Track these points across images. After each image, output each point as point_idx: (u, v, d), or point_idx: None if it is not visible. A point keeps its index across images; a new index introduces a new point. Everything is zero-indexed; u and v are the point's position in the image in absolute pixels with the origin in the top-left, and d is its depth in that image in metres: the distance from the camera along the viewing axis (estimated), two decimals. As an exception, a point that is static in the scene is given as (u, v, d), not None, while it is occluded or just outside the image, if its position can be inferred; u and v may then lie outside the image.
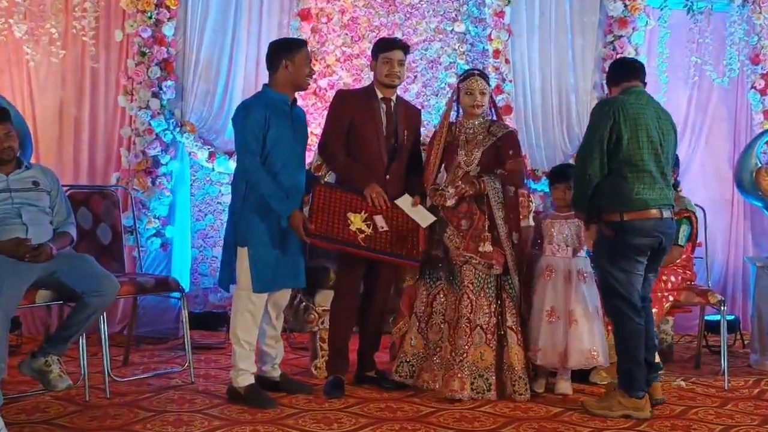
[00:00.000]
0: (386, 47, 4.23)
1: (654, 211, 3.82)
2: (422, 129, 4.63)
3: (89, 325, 3.84)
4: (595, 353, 4.19)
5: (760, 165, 5.69)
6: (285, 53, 3.99)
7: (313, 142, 4.94)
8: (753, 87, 6.15)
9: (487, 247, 4.10)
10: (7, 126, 3.88)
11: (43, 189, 3.96)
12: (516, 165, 4.24)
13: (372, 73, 4.34)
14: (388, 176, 4.19)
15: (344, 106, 4.24)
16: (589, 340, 4.20)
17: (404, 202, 4.16)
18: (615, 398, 3.86)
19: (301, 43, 4.14)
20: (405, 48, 4.28)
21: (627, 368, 3.87)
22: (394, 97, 4.29)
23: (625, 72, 4.05)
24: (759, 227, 6.19)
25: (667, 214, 3.87)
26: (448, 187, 4.17)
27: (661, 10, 6.06)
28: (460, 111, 4.35)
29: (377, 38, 5.07)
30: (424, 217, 4.16)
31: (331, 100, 4.46)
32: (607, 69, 5.83)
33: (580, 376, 4.38)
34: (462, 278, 4.15)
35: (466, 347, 4.06)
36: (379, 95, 4.24)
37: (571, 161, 5.76)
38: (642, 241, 3.83)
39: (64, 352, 3.83)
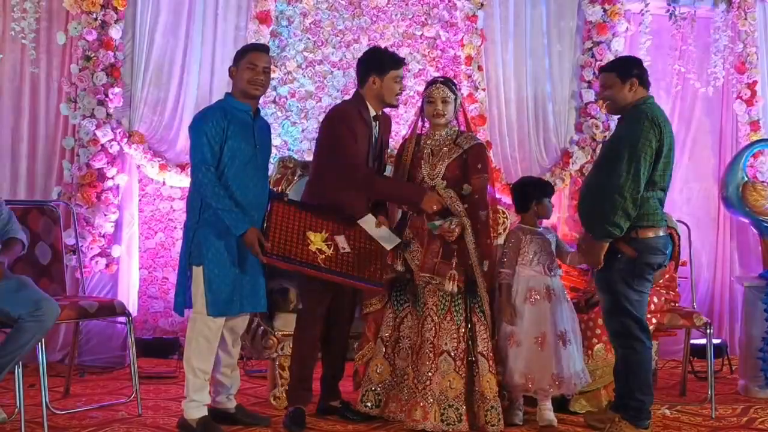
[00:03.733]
0: (397, 64, 4.24)
1: (664, 227, 3.91)
2: (390, 140, 4.63)
3: (26, 353, 3.78)
4: (581, 375, 4.22)
5: (746, 179, 5.77)
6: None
7: (273, 154, 4.93)
8: (739, 97, 6.23)
9: (453, 287, 4.09)
10: None
11: None
12: (481, 181, 4.22)
13: (338, 80, 4.35)
14: None
15: (353, 127, 4.18)
16: (577, 362, 4.22)
17: (368, 222, 4.15)
18: (621, 430, 3.89)
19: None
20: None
21: (641, 400, 3.91)
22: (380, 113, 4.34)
23: (647, 76, 4.05)
24: (746, 245, 6.26)
25: (666, 230, 3.97)
26: (452, 220, 4.12)
27: (642, 14, 6.12)
28: (426, 121, 4.38)
29: (344, 43, 5.07)
30: (388, 239, 4.16)
31: (330, 119, 4.30)
32: (585, 77, 5.97)
33: (557, 404, 4.38)
34: (425, 300, 4.15)
35: (430, 374, 4.05)
36: (372, 113, 4.25)
37: (549, 176, 5.83)
38: (657, 259, 3.91)
39: (-3, 382, 3.77)
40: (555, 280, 4.32)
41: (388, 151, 4.56)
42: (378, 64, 4.23)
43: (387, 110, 4.43)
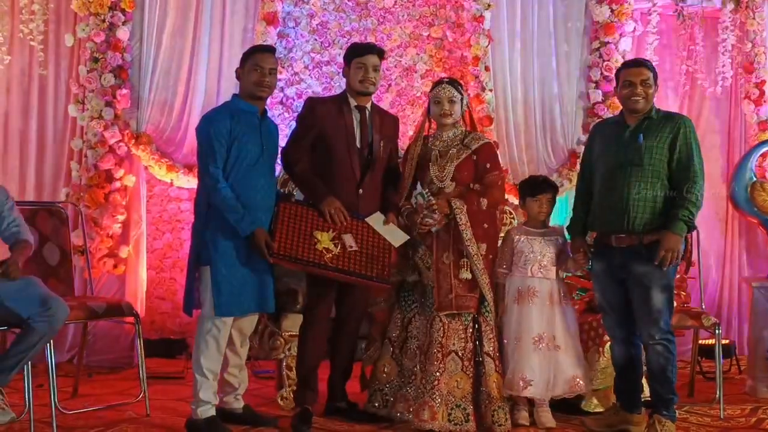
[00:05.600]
0: (360, 52, 4.24)
1: None
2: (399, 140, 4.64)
3: (35, 354, 3.81)
4: (579, 380, 4.22)
5: (754, 179, 5.77)
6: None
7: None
8: (747, 97, 6.22)
9: (467, 274, 4.11)
10: None
11: None
12: (494, 179, 4.27)
13: (344, 80, 4.36)
14: (361, 190, 4.20)
15: (313, 115, 4.24)
16: (573, 366, 4.23)
17: (376, 219, 4.17)
18: (670, 427, 3.96)
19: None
20: (380, 52, 4.29)
21: (676, 394, 4.04)
22: (369, 106, 4.30)
23: None
24: (754, 246, 6.24)
25: None
26: (428, 215, 4.14)
27: (650, 14, 6.12)
28: (433, 122, 4.39)
29: (349, 43, 5.09)
30: (396, 237, 4.17)
31: (300, 108, 4.46)
32: (592, 78, 5.97)
33: (566, 405, 4.38)
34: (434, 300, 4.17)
35: (438, 374, 4.06)
36: (353, 103, 4.25)
37: (557, 176, 5.83)
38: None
39: (6, 383, 3.80)
40: (544, 282, 4.30)
41: (398, 150, 4.56)
42: (345, 54, 4.32)
43: (394, 111, 4.44)
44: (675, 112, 4.25)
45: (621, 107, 4.22)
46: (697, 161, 3.98)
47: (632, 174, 3.95)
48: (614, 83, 5.79)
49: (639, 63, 4.20)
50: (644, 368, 4.13)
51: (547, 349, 4.21)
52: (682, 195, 3.94)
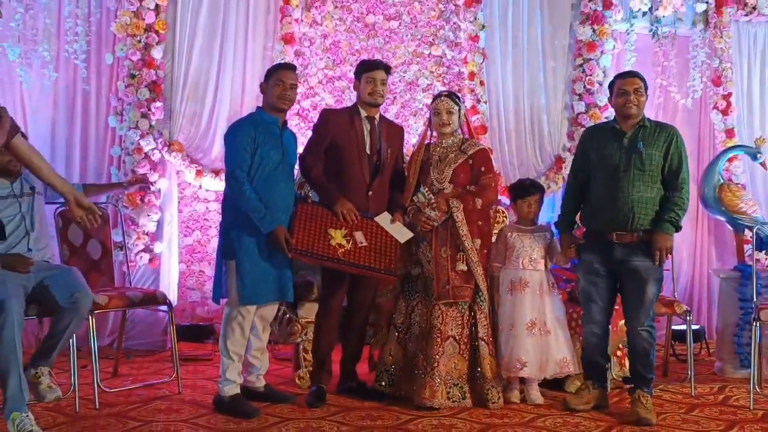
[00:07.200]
0: (369, 68, 4.24)
1: None
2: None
3: (69, 335, 3.80)
4: (567, 362, 4.22)
5: (722, 181, 5.75)
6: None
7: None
8: (715, 107, 6.21)
9: (463, 266, 4.12)
10: None
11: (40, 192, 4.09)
12: (488, 181, 4.27)
13: (355, 93, 4.36)
14: (370, 193, 4.20)
15: (327, 125, 4.24)
16: (562, 349, 4.23)
17: (384, 218, 4.18)
18: (650, 402, 3.95)
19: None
20: (386, 68, 4.29)
21: (654, 373, 4.07)
22: (377, 116, 4.30)
23: None
24: (722, 241, 6.22)
25: None
26: (429, 212, 4.14)
27: (628, 34, 6.12)
28: (434, 131, 4.39)
29: (358, 61, 5.10)
30: (402, 234, 4.17)
31: (315, 119, 4.46)
32: (576, 90, 5.97)
33: (551, 385, 4.39)
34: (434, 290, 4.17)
35: (437, 357, 4.06)
36: (363, 114, 4.25)
37: (544, 179, 5.83)
38: None
39: (52, 363, 3.80)
40: (534, 274, 4.30)
41: (403, 156, 4.56)
42: (356, 70, 4.31)
43: (399, 121, 4.43)
44: (665, 123, 4.24)
45: (603, 116, 4.22)
46: (686, 168, 4.02)
47: (635, 178, 3.95)
48: (596, 96, 5.90)
49: (632, 74, 4.21)
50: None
51: (539, 333, 4.22)
52: (672, 199, 3.97)
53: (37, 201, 4.07)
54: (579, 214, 4.25)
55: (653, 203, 3.97)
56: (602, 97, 5.81)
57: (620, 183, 3.95)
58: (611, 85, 4.19)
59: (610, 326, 4.19)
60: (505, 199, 5.41)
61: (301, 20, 5.84)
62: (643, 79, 4.11)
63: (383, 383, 4.27)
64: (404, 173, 4.42)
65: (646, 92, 4.10)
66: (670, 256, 3.98)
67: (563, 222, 4.29)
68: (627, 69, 5.92)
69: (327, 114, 4.38)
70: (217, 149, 5.57)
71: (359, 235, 4.06)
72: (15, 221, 3.92)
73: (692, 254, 6.37)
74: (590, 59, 5.98)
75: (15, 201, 3.95)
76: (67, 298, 3.74)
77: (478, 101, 5.88)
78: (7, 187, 3.96)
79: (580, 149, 4.28)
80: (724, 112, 6.20)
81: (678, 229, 3.98)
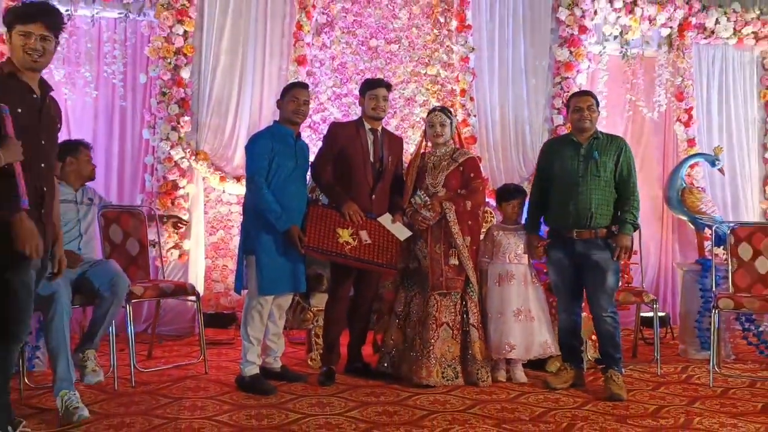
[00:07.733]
0: (372, 85, 4.26)
1: None
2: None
3: (111, 319, 3.80)
4: (549, 344, 4.23)
5: (684, 185, 5.76)
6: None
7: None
8: (678, 120, 6.22)
9: (455, 261, 4.13)
10: (89, 153, 4.21)
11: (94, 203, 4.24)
12: (477, 185, 4.27)
13: (360, 108, 4.37)
14: (373, 196, 4.20)
15: (335, 136, 4.25)
16: (544, 333, 4.24)
17: (386, 219, 4.18)
18: (621, 379, 3.94)
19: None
20: (388, 86, 4.31)
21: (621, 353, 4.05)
22: (380, 128, 4.31)
23: None
24: (685, 238, 6.24)
25: None
26: (425, 212, 4.15)
27: (601, 55, 6.14)
28: (429, 142, 4.40)
29: (363, 80, 5.11)
30: (402, 232, 4.18)
31: (325, 131, 4.48)
32: (555, 105, 5.98)
33: (533, 365, 4.40)
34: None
35: (433, 341, 4.07)
36: (367, 126, 4.26)
37: (527, 184, 5.83)
38: None
39: (97, 346, 3.80)
40: (519, 267, 4.31)
41: (402, 164, 4.57)
42: (360, 88, 4.33)
43: (399, 133, 4.43)
44: (615, 135, 4.25)
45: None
46: (635, 174, 4.06)
47: (592, 182, 3.98)
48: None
49: (585, 93, 4.26)
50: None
51: (525, 320, 4.22)
52: (627, 203, 3.99)
53: (92, 210, 4.18)
54: (543, 216, 4.27)
55: (608, 204, 4.00)
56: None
57: (579, 188, 3.99)
58: (568, 102, 4.21)
59: (582, 312, 4.20)
60: (492, 202, 5.42)
61: (312, 44, 5.86)
62: (595, 97, 4.15)
63: (385, 364, 4.28)
64: (403, 178, 4.44)
65: (597, 108, 4.13)
66: (629, 253, 4.02)
67: (531, 225, 4.31)
68: (599, 86, 5.98)
69: (335, 127, 4.39)
70: (239, 158, 5.57)
71: (364, 234, 4.07)
72: (71, 224, 3.99)
73: (658, 249, 6.39)
74: (567, 77, 6.00)
75: (75, 206, 4.05)
76: (106, 284, 3.76)
77: (469, 115, 5.89)
78: (71, 193, 4.06)
79: (543, 159, 4.27)
80: (686, 124, 6.22)
81: (636, 228, 4.04)
